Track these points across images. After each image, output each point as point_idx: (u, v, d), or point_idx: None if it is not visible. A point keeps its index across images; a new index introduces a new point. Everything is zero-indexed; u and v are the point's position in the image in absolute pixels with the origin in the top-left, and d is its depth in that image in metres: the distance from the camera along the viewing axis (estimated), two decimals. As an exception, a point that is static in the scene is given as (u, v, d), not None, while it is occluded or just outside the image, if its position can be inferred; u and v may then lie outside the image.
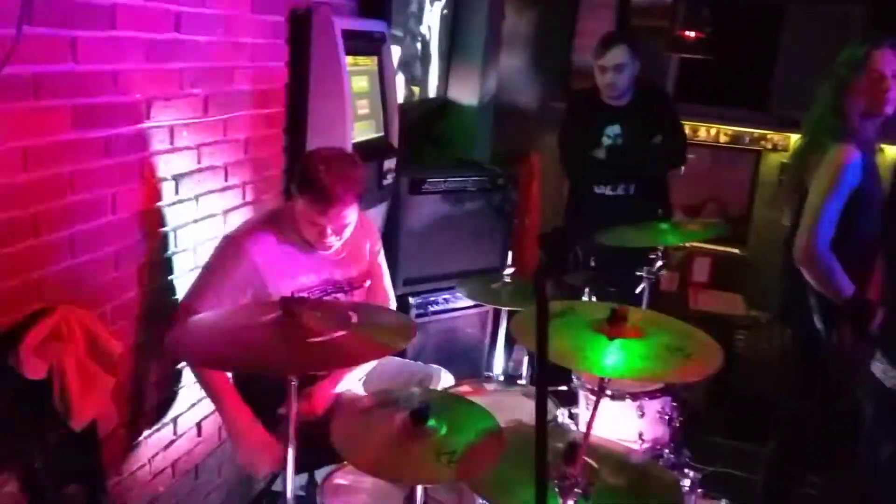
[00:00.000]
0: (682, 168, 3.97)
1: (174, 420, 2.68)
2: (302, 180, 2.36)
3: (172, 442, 2.68)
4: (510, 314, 3.07)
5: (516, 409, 2.63)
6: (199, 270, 2.50)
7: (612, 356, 1.75)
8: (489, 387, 2.89)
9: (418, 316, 3.72)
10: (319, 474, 2.38)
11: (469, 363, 3.91)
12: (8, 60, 1.73)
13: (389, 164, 3.49)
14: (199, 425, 2.83)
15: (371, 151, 3.30)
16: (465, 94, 4.85)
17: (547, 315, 1.14)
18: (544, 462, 1.15)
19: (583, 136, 3.81)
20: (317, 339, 1.59)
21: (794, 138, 5.21)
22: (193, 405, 2.77)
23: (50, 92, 1.94)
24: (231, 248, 2.44)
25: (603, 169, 3.77)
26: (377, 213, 3.53)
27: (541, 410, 1.13)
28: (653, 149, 3.77)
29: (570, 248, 1.07)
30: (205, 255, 2.68)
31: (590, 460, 1.88)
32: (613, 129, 3.77)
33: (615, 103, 3.77)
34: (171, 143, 2.45)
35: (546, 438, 1.14)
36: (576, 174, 3.98)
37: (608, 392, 2.46)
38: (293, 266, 2.47)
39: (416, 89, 4.36)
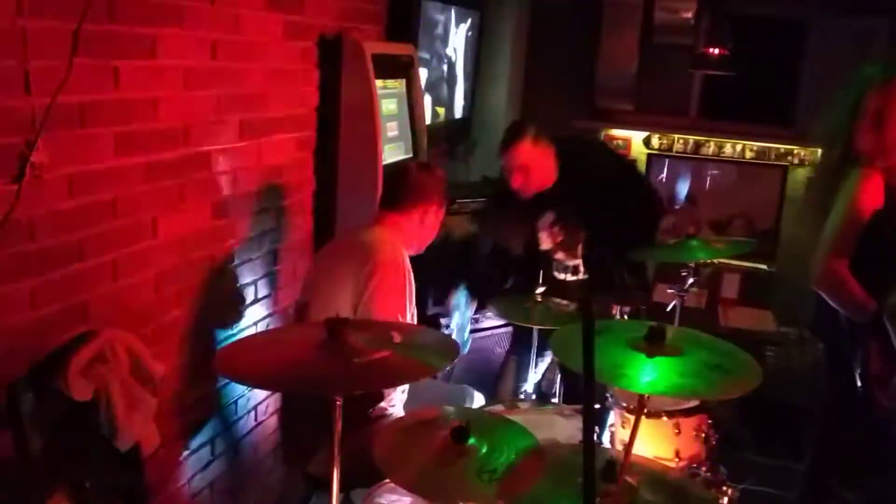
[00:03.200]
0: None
1: (212, 441, 2.71)
2: (429, 190, 2.56)
3: (210, 462, 2.71)
4: (541, 333, 3.09)
5: (551, 428, 2.63)
6: (384, 300, 2.42)
7: (651, 373, 1.75)
8: (522, 406, 2.90)
9: (448, 335, 3.73)
10: (356, 495, 2.39)
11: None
12: (59, 90, 1.79)
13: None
14: (235, 447, 2.86)
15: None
16: (491, 114, 4.90)
17: (593, 333, 1.16)
18: (593, 478, 1.16)
19: (514, 237, 3.34)
20: (361, 360, 1.61)
21: (821, 153, 5.26)
22: (230, 426, 2.81)
23: (94, 120, 1.99)
24: (399, 267, 2.47)
25: (554, 258, 3.28)
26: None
27: (588, 427, 1.14)
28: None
29: (614, 268, 1.08)
30: (240, 277, 2.73)
31: (629, 478, 1.88)
32: (548, 218, 3.28)
33: (541, 192, 3.23)
34: (209, 168, 2.50)
35: (594, 454, 1.16)
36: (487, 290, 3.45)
37: (644, 410, 2.45)
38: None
39: (442, 110, 4.40)
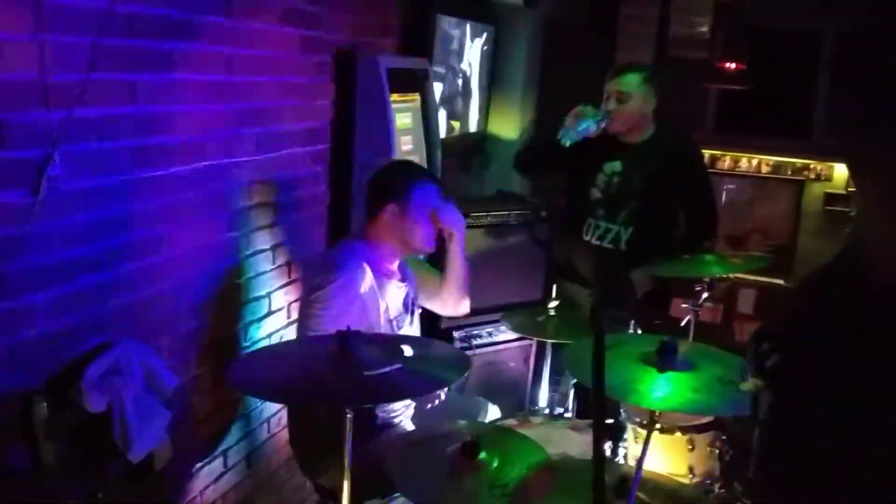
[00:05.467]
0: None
1: (224, 453, 2.72)
2: (410, 180, 2.47)
3: (223, 474, 2.72)
4: (555, 347, 3.08)
5: (564, 442, 2.62)
6: (315, 316, 2.34)
7: (664, 389, 1.75)
8: (535, 420, 2.89)
9: (462, 349, 3.72)
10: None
11: (512, 396, 3.90)
12: (77, 103, 1.81)
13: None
14: (247, 458, 2.86)
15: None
16: (505, 128, 4.91)
17: (603, 347, 1.16)
18: (602, 495, 1.16)
19: (577, 169, 3.38)
20: (373, 373, 1.62)
21: (838, 167, 5.24)
22: (242, 438, 2.81)
23: (111, 133, 2.01)
24: (344, 290, 2.36)
25: (593, 213, 3.35)
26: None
27: (598, 442, 1.14)
28: (675, 234, 3.37)
29: (625, 281, 1.08)
30: (254, 289, 2.75)
31: (641, 494, 1.87)
32: (612, 167, 3.29)
33: (623, 139, 3.27)
34: (224, 181, 2.52)
35: (604, 470, 1.15)
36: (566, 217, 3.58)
37: (657, 425, 2.44)
38: (384, 292, 2.48)
39: (457, 124, 4.42)
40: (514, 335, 3.72)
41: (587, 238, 3.37)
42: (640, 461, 1.79)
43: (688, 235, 3.35)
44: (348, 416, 1.63)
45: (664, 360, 1.77)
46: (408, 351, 1.73)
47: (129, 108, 2.07)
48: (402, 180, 2.50)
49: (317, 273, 2.42)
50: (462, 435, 1.83)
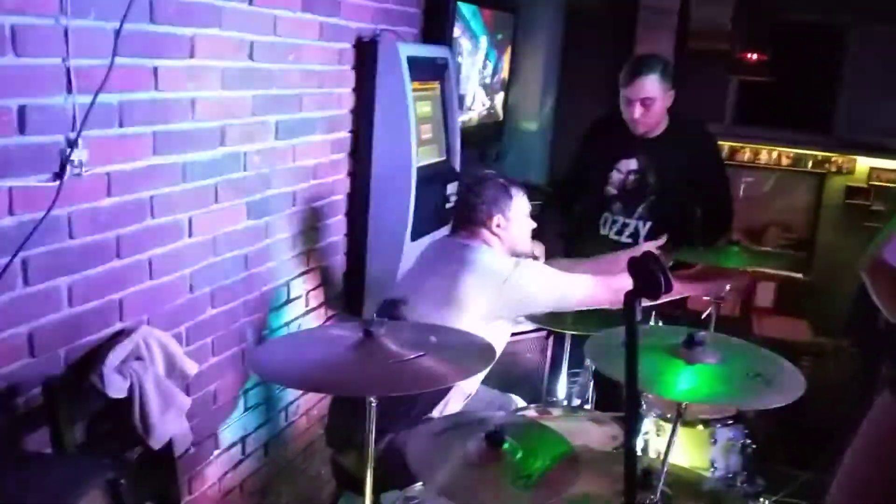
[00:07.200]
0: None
1: (243, 440, 2.72)
2: (506, 192, 2.53)
3: (241, 461, 2.72)
4: (574, 339, 3.06)
5: (583, 434, 2.60)
6: (552, 288, 2.50)
7: (691, 380, 1.72)
8: (554, 412, 2.86)
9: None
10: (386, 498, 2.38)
11: (528, 387, 3.88)
12: (99, 89, 1.80)
13: (452, 188, 3.51)
14: (266, 446, 2.86)
15: (434, 175, 3.33)
16: (524, 118, 4.88)
17: (636, 339, 1.14)
18: (633, 485, 1.14)
19: (591, 167, 3.36)
20: (398, 361, 1.61)
21: (859, 160, 5.19)
22: (261, 425, 2.81)
23: (133, 119, 2.00)
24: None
25: (610, 207, 3.31)
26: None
27: (630, 435, 1.12)
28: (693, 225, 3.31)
29: (662, 273, 1.06)
30: (275, 276, 2.75)
31: (664, 487, 1.85)
32: (628, 164, 3.24)
33: (639, 133, 3.18)
34: (244, 168, 2.51)
35: (635, 462, 1.13)
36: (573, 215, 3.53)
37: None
38: None
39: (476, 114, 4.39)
40: (529, 326, 3.69)
41: (604, 232, 3.33)
42: (666, 454, 1.76)
43: (704, 229, 3.31)
44: (372, 404, 1.62)
45: (692, 351, 1.75)
46: (433, 339, 1.72)
47: (150, 94, 2.06)
48: (503, 194, 2.54)
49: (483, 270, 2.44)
50: (486, 425, 1.81)
